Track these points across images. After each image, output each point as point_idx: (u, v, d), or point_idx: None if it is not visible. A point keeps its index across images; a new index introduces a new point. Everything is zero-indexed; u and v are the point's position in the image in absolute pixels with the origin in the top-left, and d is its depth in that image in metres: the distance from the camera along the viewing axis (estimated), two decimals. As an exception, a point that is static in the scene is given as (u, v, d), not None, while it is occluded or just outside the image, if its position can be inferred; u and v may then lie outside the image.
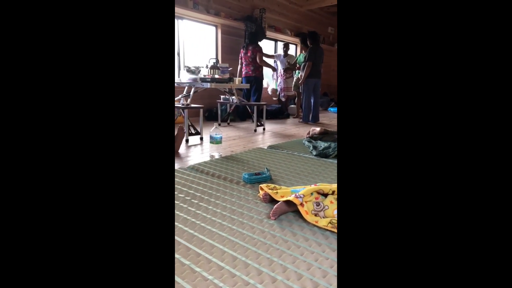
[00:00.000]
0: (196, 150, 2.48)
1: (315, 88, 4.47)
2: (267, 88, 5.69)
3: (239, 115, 4.62)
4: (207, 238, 0.99)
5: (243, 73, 4.55)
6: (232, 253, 0.90)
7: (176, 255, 0.88)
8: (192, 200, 1.31)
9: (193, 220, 1.12)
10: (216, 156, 2.17)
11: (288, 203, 1.17)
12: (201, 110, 3.06)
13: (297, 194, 1.16)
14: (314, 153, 2.22)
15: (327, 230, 1.04)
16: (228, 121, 4.32)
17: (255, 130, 3.67)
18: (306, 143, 2.49)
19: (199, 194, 1.38)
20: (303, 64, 4.43)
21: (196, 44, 4.71)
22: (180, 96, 3.58)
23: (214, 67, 3.34)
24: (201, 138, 2.96)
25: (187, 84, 3.45)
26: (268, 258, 0.88)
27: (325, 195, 1.19)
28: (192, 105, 3.11)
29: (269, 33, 5.54)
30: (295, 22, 6.44)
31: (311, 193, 1.18)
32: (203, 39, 4.84)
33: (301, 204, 1.14)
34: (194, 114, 4.18)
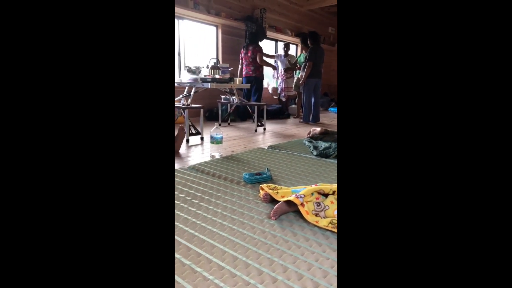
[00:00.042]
0: (197, 150, 2.49)
1: (315, 88, 4.47)
2: (267, 88, 5.69)
3: (240, 115, 4.62)
4: (208, 238, 0.99)
5: (244, 73, 4.56)
6: (232, 253, 0.90)
7: (177, 255, 0.88)
8: (193, 200, 1.31)
9: (193, 220, 1.12)
10: (217, 156, 2.17)
11: (289, 203, 1.17)
12: (202, 110, 3.06)
13: (297, 194, 1.16)
14: (315, 153, 2.22)
15: (328, 230, 1.04)
16: (229, 121, 4.33)
17: (256, 130, 3.67)
18: (307, 143, 2.49)
19: (199, 194, 1.38)
20: (303, 64, 4.43)
21: (197, 44, 4.71)
22: (180, 96, 3.58)
23: (214, 67, 3.34)
24: (202, 138, 2.96)
25: (188, 84, 3.45)
26: (269, 258, 0.88)
27: (326, 195, 1.19)
28: (193, 105, 3.11)
29: (269, 33, 5.54)
30: (295, 22, 6.44)
31: (312, 193, 1.18)
32: (203, 39, 4.84)
33: (302, 204, 1.14)
34: (195, 114, 4.18)
